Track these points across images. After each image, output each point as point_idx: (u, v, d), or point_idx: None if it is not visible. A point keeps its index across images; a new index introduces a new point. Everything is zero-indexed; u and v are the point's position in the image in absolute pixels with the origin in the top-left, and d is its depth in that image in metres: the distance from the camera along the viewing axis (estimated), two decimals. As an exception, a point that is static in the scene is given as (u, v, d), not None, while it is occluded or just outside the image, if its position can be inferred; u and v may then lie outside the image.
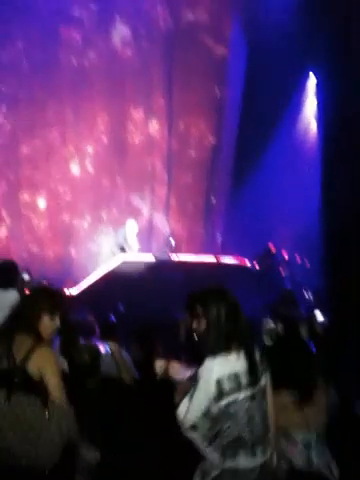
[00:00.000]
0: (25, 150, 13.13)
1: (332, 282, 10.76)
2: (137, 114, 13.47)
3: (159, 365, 4.74)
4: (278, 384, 3.08)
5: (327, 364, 4.25)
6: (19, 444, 2.66)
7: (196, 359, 2.78)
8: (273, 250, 11.85)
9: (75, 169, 13.37)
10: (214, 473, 2.71)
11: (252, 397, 2.72)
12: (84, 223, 13.34)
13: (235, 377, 2.67)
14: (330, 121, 12.05)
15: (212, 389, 2.64)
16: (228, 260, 10.91)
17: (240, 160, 12.83)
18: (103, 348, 4.07)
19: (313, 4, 11.35)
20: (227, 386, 2.65)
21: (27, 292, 5.21)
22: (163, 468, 3.11)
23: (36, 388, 2.71)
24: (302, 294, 10.32)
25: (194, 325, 2.95)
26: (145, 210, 13.44)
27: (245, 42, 12.94)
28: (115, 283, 10.04)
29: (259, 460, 2.73)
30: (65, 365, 3.69)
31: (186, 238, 13.25)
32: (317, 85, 13.20)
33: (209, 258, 11.01)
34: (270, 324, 5.41)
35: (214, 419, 2.69)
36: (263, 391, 2.80)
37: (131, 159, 13.41)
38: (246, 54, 12.89)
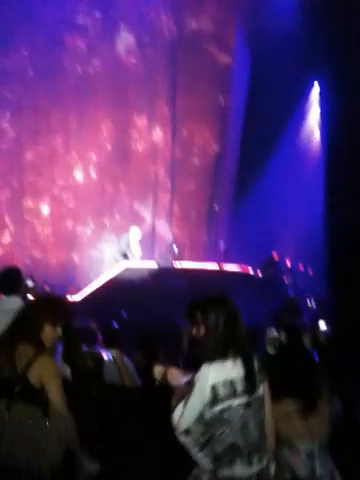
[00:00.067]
0: (29, 156, 13.17)
1: (335, 290, 10.74)
2: (141, 121, 13.50)
3: (158, 371, 4.74)
4: (281, 393, 3.08)
5: (330, 373, 4.24)
6: (20, 453, 2.65)
7: (195, 365, 2.79)
8: (276, 258, 11.85)
9: (79, 176, 13.40)
10: (205, 479, 2.71)
11: (247, 405, 2.72)
12: (87, 230, 13.35)
13: (230, 384, 2.68)
14: (333, 129, 12.08)
15: (207, 394, 2.65)
16: (231, 267, 10.91)
17: (243, 168, 12.86)
18: (106, 355, 4.07)
19: (317, 15, 11.39)
20: (222, 392, 2.66)
21: (31, 298, 5.21)
22: (163, 474, 3.10)
23: (37, 397, 2.71)
24: (305, 302, 10.31)
25: (194, 332, 2.96)
26: (148, 217, 13.45)
27: (249, 51, 13.00)
28: (118, 290, 10.04)
29: (255, 469, 2.72)
30: (68, 372, 3.69)
31: (189, 245, 13.25)
32: (320, 93, 13.23)
33: (212, 265, 11.01)
34: (273, 333, 5.39)
35: (207, 424, 2.70)
36: (260, 400, 2.80)
37: (134, 166, 13.44)
38: (250, 63, 12.94)
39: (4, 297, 4.34)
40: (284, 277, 11.49)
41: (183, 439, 2.74)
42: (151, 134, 13.54)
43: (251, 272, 11.13)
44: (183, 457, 2.81)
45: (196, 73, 13.27)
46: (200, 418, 2.69)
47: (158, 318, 8.63)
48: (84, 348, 4.61)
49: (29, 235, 13.18)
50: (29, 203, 13.17)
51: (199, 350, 2.81)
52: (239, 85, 13.14)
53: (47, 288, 11.01)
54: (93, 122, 13.30)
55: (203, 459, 2.71)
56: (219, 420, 2.68)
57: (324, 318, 8.67)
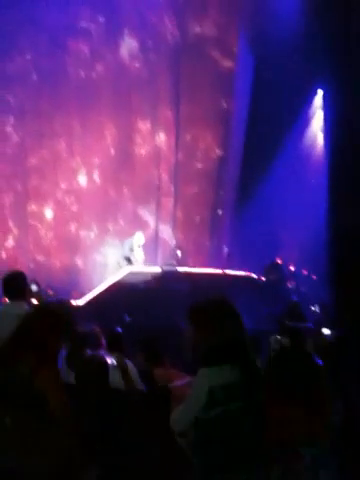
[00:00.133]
0: (32, 161, 13.21)
1: (338, 294, 10.73)
2: (144, 126, 13.53)
3: (158, 374, 4.75)
4: (284, 397, 3.07)
5: (334, 377, 4.24)
6: (21, 461, 2.66)
7: (196, 368, 2.81)
8: (279, 263, 11.86)
9: (82, 180, 13.43)
10: None
11: (245, 409, 2.72)
12: (91, 234, 13.38)
13: (228, 388, 2.68)
14: (336, 134, 12.08)
15: (203, 398, 2.66)
16: (234, 272, 10.92)
17: (246, 172, 12.86)
18: (110, 360, 4.07)
19: (319, 19, 11.41)
20: (219, 396, 2.66)
21: (35, 302, 5.21)
22: (163, 476, 3.11)
23: (39, 406, 2.71)
24: (308, 306, 10.31)
25: (194, 335, 2.97)
26: (151, 222, 13.47)
27: (252, 55, 13.01)
28: (121, 294, 10.05)
29: (251, 474, 2.72)
30: (72, 377, 3.69)
31: (192, 250, 13.26)
32: (324, 98, 13.24)
33: (215, 270, 11.02)
34: (277, 338, 5.40)
35: (203, 428, 2.71)
36: (258, 405, 2.79)
37: (138, 171, 13.46)
38: (253, 67, 12.95)
39: (8, 301, 4.35)
40: (287, 282, 11.51)
41: (180, 442, 2.76)
42: (154, 139, 13.57)
43: (254, 277, 11.14)
44: (183, 459, 2.82)
45: (199, 78, 13.29)
46: (196, 421, 2.70)
47: (161, 322, 8.64)
48: (88, 352, 4.62)
49: (33, 239, 13.21)
50: (33, 207, 13.20)
51: (198, 353, 2.82)
52: (242, 90, 13.15)
53: (51, 292, 11.04)
54: (96, 126, 13.33)
55: (198, 462, 2.72)
56: (215, 424, 2.68)
57: (327, 322, 8.67)
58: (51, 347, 2.87)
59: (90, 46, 13.34)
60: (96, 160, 13.46)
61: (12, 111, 13.09)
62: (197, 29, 13.45)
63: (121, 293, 10.10)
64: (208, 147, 13.61)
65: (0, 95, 12.94)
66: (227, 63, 13.46)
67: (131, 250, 11.35)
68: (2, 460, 2.66)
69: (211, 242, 13.65)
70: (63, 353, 4.50)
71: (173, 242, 13.17)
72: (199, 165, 13.62)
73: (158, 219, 13.48)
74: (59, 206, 13.31)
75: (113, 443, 3.19)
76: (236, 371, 2.71)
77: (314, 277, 12.16)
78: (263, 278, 11.23)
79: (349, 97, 11.27)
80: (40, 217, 13.24)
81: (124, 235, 12.74)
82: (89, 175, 13.43)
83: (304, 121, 13.42)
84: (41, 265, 12.99)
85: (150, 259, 12.42)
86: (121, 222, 13.44)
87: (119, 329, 6.94)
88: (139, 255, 11.45)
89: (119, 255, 11.89)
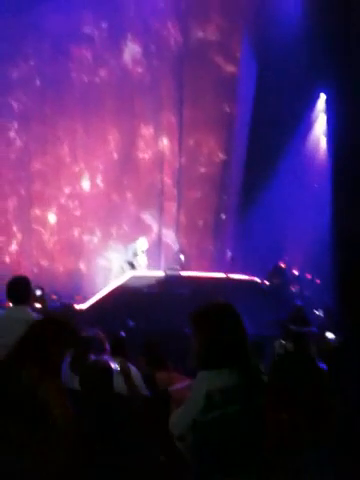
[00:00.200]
0: (36, 166, 13.25)
1: (342, 298, 10.71)
2: (147, 131, 13.56)
3: (160, 378, 4.75)
4: (287, 402, 3.07)
5: (338, 382, 4.23)
6: (23, 470, 2.66)
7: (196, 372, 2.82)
8: (283, 267, 11.85)
9: (85, 185, 13.46)
10: None
11: (243, 413, 2.72)
12: (94, 238, 13.39)
13: (226, 392, 2.68)
14: (340, 138, 12.08)
15: (201, 401, 2.65)
16: (237, 276, 10.92)
17: (250, 177, 12.86)
18: (113, 365, 4.07)
19: (322, 24, 11.43)
20: (216, 400, 2.66)
21: (38, 306, 5.22)
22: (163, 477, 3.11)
23: (42, 417, 2.71)
24: (312, 310, 10.30)
25: (195, 339, 2.97)
26: (155, 226, 13.48)
27: (255, 60, 13.03)
28: (125, 298, 10.06)
29: (252, 477, 2.72)
30: (76, 382, 3.69)
31: (195, 254, 13.25)
32: (327, 102, 13.24)
33: (218, 274, 11.02)
34: (281, 342, 5.40)
35: (201, 431, 2.70)
36: (258, 409, 2.79)
37: (141, 175, 13.48)
38: (255, 72, 12.97)
39: (12, 306, 4.35)
40: (291, 286, 11.49)
41: (179, 445, 2.76)
42: (157, 143, 13.59)
43: (258, 281, 11.14)
44: (183, 461, 2.82)
45: (202, 82, 13.31)
46: (194, 424, 2.71)
47: (164, 326, 8.64)
48: (92, 357, 4.62)
49: (36, 244, 13.24)
50: (36, 212, 13.23)
51: (198, 357, 2.83)
52: (245, 94, 13.16)
53: (54, 297, 11.06)
54: (100, 131, 13.36)
55: (196, 465, 2.72)
56: (212, 427, 2.68)
57: (331, 326, 8.66)
58: (54, 357, 2.88)
59: (93, 52, 13.39)
60: (99, 165, 13.49)
61: (16, 116, 13.15)
62: (200, 34, 13.49)
63: (124, 297, 10.11)
64: (211, 151, 13.62)
65: (4, 100, 13.00)
66: (230, 68, 13.48)
67: (135, 255, 11.38)
68: (5, 469, 2.66)
69: (214, 246, 13.64)
70: (67, 358, 4.51)
71: (176, 246, 13.17)
72: (202, 169, 13.63)
73: (161, 223, 13.48)
74: (62, 211, 13.34)
75: (113, 444, 3.19)
76: (235, 375, 2.71)
77: (318, 281, 12.14)
78: (266, 282, 11.23)
79: (352, 101, 11.28)
80: (43, 222, 13.27)
81: (127, 239, 12.76)
82: (92, 180, 13.45)
83: (307, 125, 13.42)
84: (44, 269, 13.01)
85: (153, 263, 12.43)
86: (124, 226, 13.45)
87: (123, 334, 6.94)
88: (142, 260, 11.48)
89: (122, 260, 11.91)
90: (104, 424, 3.22)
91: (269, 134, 12.11)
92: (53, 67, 13.06)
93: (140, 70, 13.51)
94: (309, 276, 12.30)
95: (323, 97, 13.33)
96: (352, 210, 11.01)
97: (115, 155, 13.52)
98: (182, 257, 11.90)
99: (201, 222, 13.63)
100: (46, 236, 13.30)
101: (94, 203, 13.32)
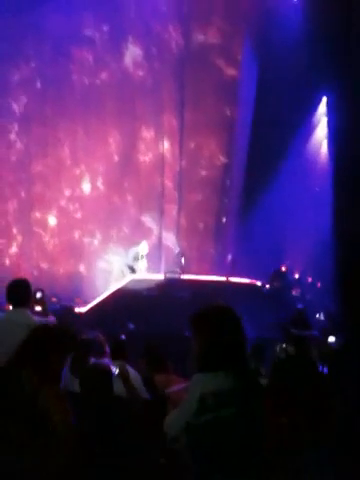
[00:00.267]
0: (36, 168, 13.24)
1: (343, 301, 10.70)
2: (148, 133, 13.55)
3: (159, 380, 4.74)
4: (288, 404, 3.06)
5: (339, 384, 4.23)
6: (22, 472, 2.65)
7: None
8: (284, 270, 11.84)
9: (86, 187, 13.45)
10: None
11: (238, 416, 2.70)
12: (94, 241, 13.38)
13: (220, 395, 2.67)
14: (342, 141, 12.08)
15: (194, 404, 2.65)
16: (238, 280, 10.91)
17: (251, 180, 12.86)
18: (113, 368, 4.06)
19: (323, 27, 11.44)
20: (210, 403, 2.66)
21: (39, 308, 5.21)
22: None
23: (42, 423, 2.70)
24: (313, 314, 10.29)
25: (194, 341, 2.97)
26: (155, 229, 13.46)
27: (256, 63, 13.04)
28: (125, 301, 10.05)
29: (250, 479, 2.71)
30: (76, 384, 3.68)
31: (196, 257, 13.23)
32: (328, 105, 13.25)
33: (219, 278, 11.01)
34: (282, 346, 5.39)
35: (194, 433, 2.70)
36: (254, 412, 2.78)
37: (142, 178, 13.47)
38: (257, 75, 12.97)
39: (12, 309, 4.34)
40: (292, 289, 11.48)
41: (173, 447, 2.76)
42: (158, 146, 13.58)
43: (258, 284, 11.13)
44: (183, 463, 2.82)
45: (203, 85, 13.31)
46: (187, 427, 2.70)
47: (165, 329, 8.63)
48: (92, 360, 4.61)
49: (36, 246, 13.23)
50: (37, 214, 13.22)
51: (196, 360, 2.82)
52: (246, 97, 13.17)
53: (54, 299, 11.05)
54: (100, 134, 13.36)
55: (195, 466, 2.72)
56: (205, 430, 2.68)
57: (332, 330, 8.64)
58: (54, 365, 2.87)
59: (94, 54, 13.40)
60: (100, 167, 13.48)
61: (16, 118, 13.14)
62: (201, 37, 13.49)
63: (125, 300, 10.10)
64: (212, 154, 13.61)
65: (4, 102, 13.01)
66: (231, 71, 13.48)
67: (135, 259, 11.39)
68: (5, 469, 2.65)
69: (215, 249, 13.63)
70: (67, 361, 4.48)
71: (177, 249, 13.15)
72: (203, 172, 13.62)
73: (162, 226, 13.47)
74: (63, 213, 13.33)
75: (113, 446, 3.19)
76: (230, 378, 2.70)
77: (319, 284, 12.14)
78: (267, 286, 11.22)
79: (353, 104, 11.29)
80: (44, 224, 13.26)
81: (128, 242, 12.75)
82: (93, 182, 13.44)
83: (308, 128, 13.42)
84: (45, 272, 12.99)
85: (154, 266, 12.42)
86: (125, 229, 13.44)
87: (123, 336, 6.92)
88: (142, 264, 11.49)
89: (123, 264, 11.91)
90: (104, 426, 3.21)
91: (270, 137, 12.11)
92: (54, 69, 13.06)
93: (141, 73, 13.51)
94: (310, 279, 12.29)
95: (324, 100, 13.33)
96: (353, 213, 11.02)
97: (116, 157, 13.52)
98: (182, 260, 11.88)
99: (202, 225, 13.62)
100: (46, 238, 13.29)
101: (94, 205, 13.31)
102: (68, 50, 13.14)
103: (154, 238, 13.30)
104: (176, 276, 10.92)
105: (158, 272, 12.07)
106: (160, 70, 13.41)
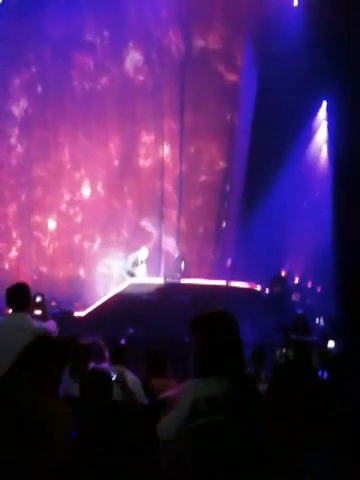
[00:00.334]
0: (37, 172, 13.26)
1: (343, 306, 10.70)
2: (148, 138, 13.56)
3: (156, 384, 4.74)
4: (287, 410, 3.05)
5: (339, 388, 4.23)
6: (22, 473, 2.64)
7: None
8: (284, 275, 11.83)
9: (86, 191, 13.46)
10: None
11: (231, 422, 2.70)
12: (94, 245, 13.38)
13: (213, 400, 2.67)
14: (342, 145, 12.10)
15: (187, 409, 2.64)
16: (238, 284, 10.90)
17: (251, 185, 12.86)
18: (112, 373, 4.05)
19: (324, 33, 11.47)
20: (202, 408, 2.65)
21: (38, 312, 5.21)
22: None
23: (40, 434, 2.70)
24: (313, 319, 10.28)
25: (192, 346, 2.97)
26: (155, 233, 13.46)
27: (256, 68, 13.06)
28: (124, 306, 10.04)
29: None
30: (75, 389, 3.67)
31: (196, 262, 13.22)
32: (328, 110, 13.27)
33: (219, 282, 11.00)
34: (282, 351, 5.39)
35: (186, 438, 2.69)
36: (249, 417, 2.77)
37: (142, 182, 13.48)
38: (257, 80, 13.00)
39: (11, 313, 4.34)
40: (292, 294, 11.48)
41: (169, 448, 2.76)
42: (158, 150, 13.59)
43: (258, 289, 11.11)
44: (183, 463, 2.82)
45: (203, 90, 13.33)
46: (180, 432, 2.70)
47: (165, 334, 8.62)
48: (92, 365, 4.60)
49: (36, 250, 13.23)
50: (36, 218, 13.22)
51: (190, 365, 2.83)
52: (246, 102, 13.19)
53: (54, 303, 11.04)
54: (100, 138, 13.37)
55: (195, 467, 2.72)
56: (196, 436, 2.67)
57: (332, 335, 8.64)
58: (54, 373, 2.87)
59: (95, 59, 13.42)
60: (100, 171, 13.49)
61: (17, 122, 13.17)
62: (201, 42, 13.51)
63: (124, 305, 10.09)
64: (212, 159, 13.62)
65: (5, 107, 13.03)
66: (231, 76, 13.50)
67: (134, 265, 11.39)
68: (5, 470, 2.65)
69: (215, 254, 13.62)
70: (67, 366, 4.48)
71: (177, 254, 13.14)
72: (203, 177, 13.61)
73: (162, 231, 13.46)
74: (63, 217, 13.33)
75: (112, 451, 3.19)
76: (224, 383, 2.69)
77: (318, 289, 12.13)
78: (267, 290, 11.21)
79: (353, 109, 11.31)
80: (44, 228, 13.26)
81: (128, 246, 12.75)
82: (93, 186, 13.45)
83: (308, 133, 13.45)
84: (44, 276, 12.99)
85: (153, 271, 12.41)
86: (124, 233, 13.44)
87: (122, 341, 6.92)
88: (142, 270, 11.49)
89: (122, 269, 11.90)
90: (103, 431, 3.21)
91: (270, 142, 12.12)
92: (54, 73, 13.10)
93: (141, 78, 13.54)
94: (310, 284, 12.29)
95: (324, 105, 13.36)
96: (353, 217, 11.02)
97: (116, 162, 13.53)
98: (182, 264, 11.87)
99: (202, 229, 13.61)
100: (46, 242, 13.29)
101: (94, 210, 13.31)
102: (69, 55, 13.17)
103: (154, 242, 13.29)
104: (176, 280, 10.90)
105: (158, 276, 12.06)
106: (160, 75, 13.43)
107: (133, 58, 13.47)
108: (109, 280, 12.85)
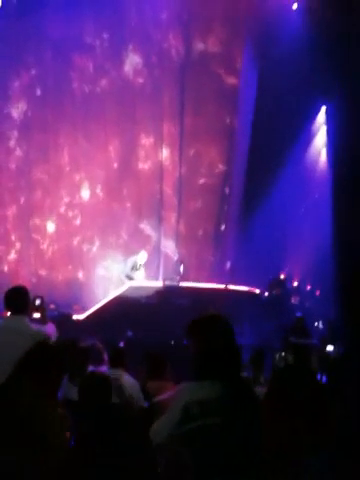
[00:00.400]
0: (36, 175, 13.25)
1: (343, 309, 10.69)
2: (148, 141, 13.56)
3: (152, 387, 4.73)
4: (287, 414, 3.04)
5: (338, 391, 4.22)
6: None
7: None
8: (283, 278, 11.83)
9: (85, 194, 13.45)
10: None
11: (226, 424, 2.69)
12: (93, 248, 13.36)
13: (205, 403, 2.66)
14: (341, 148, 12.11)
15: (179, 413, 2.64)
16: (237, 287, 10.90)
17: (250, 188, 12.86)
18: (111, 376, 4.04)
19: (324, 35, 11.49)
20: (195, 411, 2.65)
21: (38, 315, 5.20)
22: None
23: (39, 440, 2.69)
24: (312, 322, 10.28)
25: (190, 349, 2.98)
26: (154, 236, 13.45)
27: (256, 72, 13.07)
28: (124, 309, 10.03)
29: None
30: (74, 392, 3.66)
31: (195, 265, 13.20)
32: (327, 114, 13.28)
33: (218, 285, 11.00)
34: (281, 355, 5.38)
35: (179, 442, 2.69)
36: (244, 420, 2.76)
37: (141, 185, 13.47)
38: (256, 83, 13.00)
39: (9, 316, 4.32)
40: (291, 297, 11.47)
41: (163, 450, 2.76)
42: (157, 153, 13.59)
43: (257, 292, 11.11)
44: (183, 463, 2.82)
45: (203, 93, 13.33)
46: (173, 435, 2.69)
47: (164, 336, 8.61)
48: (90, 368, 4.59)
49: (35, 253, 13.21)
50: (35, 221, 13.21)
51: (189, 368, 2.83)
52: (246, 105, 13.19)
53: (52, 306, 11.02)
54: (100, 141, 13.37)
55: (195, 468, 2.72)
56: (189, 439, 2.67)
57: (331, 338, 8.63)
58: (52, 381, 2.87)
59: (94, 61, 13.43)
60: (99, 174, 13.48)
61: (16, 125, 13.17)
62: (201, 45, 13.51)
63: (123, 308, 10.08)
64: (212, 162, 13.61)
65: (5, 109, 13.04)
66: (231, 79, 13.50)
67: (133, 269, 11.39)
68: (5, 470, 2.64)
69: (214, 257, 13.60)
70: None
71: (176, 257, 13.13)
72: (202, 180, 13.60)
73: (161, 233, 13.45)
74: (62, 220, 13.32)
75: (111, 455, 3.18)
76: (217, 387, 2.69)
77: (317, 292, 12.13)
78: (266, 293, 11.21)
79: (352, 113, 11.31)
80: (43, 231, 13.25)
81: (127, 249, 12.74)
82: (92, 189, 13.44)
83: (307, 136, 13.45)
84: (43, 279, 12.97)
85: (152, 274, 12.40)
86: (124, 236, 13.42)
87: (121, 344, 6.90)
88: (140, 274, 11.49)
89: (121, 273, 11.89)
90: (102, 434, 3.20)
91: (269, 145, 12.13)
92: (54, 76, 13.11)
93: (141, 80, 13.54)
94: (310, 287, 12.28)
95: (323, 109, 13.37)
96: (352, 220, 11.01)
97: (115, 164, 13.52)
98: (181, 267, 11.87)
99: (201, 232, 13.60)
100: (45, 245, 13.28)
101: (93, 212, 13.31)
102: (68, 57, 13.18)
103: (153, 245, 13.28)
104: (175, 283, 10.89)
105: (157, 279, 12.05)
106: (160, 78, 13.43)
107: (133, 61, 13.48)
108: (108, 283, 12.83)
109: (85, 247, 13.35)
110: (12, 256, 13.12)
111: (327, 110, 13.25)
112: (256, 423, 2.78)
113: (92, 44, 13.35)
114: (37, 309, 4.97)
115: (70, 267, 13.28)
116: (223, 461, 2.68)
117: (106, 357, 5.11)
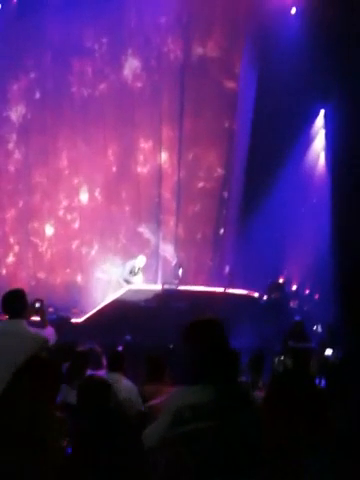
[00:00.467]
0: (34, 178, 13.26)
1: (342, 313, 10.68)
2: (146, 145, 13.57)
3: (148, 391, 4.73)
4: (286, 415, 3.04)
5: (337, 395, 4.22)
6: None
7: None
8: (282, 282, 11.83)
9: (84, 198, 13.45)
10: None
11: (219, 428, 2.69)
12: (92, 251, 13.36)
13: (197, 408, 2.66)
14: (340, 152, 12.12)
15: (170, 417, 2.65)
16: (235, 291, 10.89)
17: (249, 191, 12.86)
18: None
19: (323, 39, 11.51)
20: (186, 416, 2.65)
21: (37, 318, 5.19)
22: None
23: (37, 449, 2.69)
24: (311, 326, 10.26)
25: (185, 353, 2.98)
26: (153, 240, 13.44)
27: (255, 76, 13.08)
28: (122, 312, 10.02)
29: None
30: (72, 396, 3.66)
31: (194, 268, 13.20)
32: (326, 118, 13.30)
33: (216, 289, 10.99)
34: (280, 359, 5.37)
35: (171, 445, 2.69)
36: (238, 424, 2.76)
37: (140, 189, 13.47)
38: (255, 87, 13.02)
39: (7, 319, 4.31)
40: (290, 301, 11.46)
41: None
42: (156, 157, 13.59)
43: (255, 296, 11.10)
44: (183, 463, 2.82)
45: (202, 98, 13.35)
46: (165, 439, 2.69)
47: (162, 340, 8.60)
48: (89, 372, 4.58)
49: (34, 256, 13.21)
50: (34, 224, 13.21)
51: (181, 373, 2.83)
52: (245, 109, 13.20)
53: (51, 309, 11.01)
54: (99, 145, 13.38)
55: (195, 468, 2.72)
56: (181, 443, 2.66)
57: (331, 342, 8.62)
58: (49, 391, 2.87)
59: (93, 65, 13.45)
60: (98, 178, 13.49)
61: (15, 128, 13.19)
62: (200, 50, 13.53)
63: (122, 311, 10.07)
64: (210, 166, 13.62)
65: (4, 112, 13.05)
66: (230, 83, 13.52)
67: (132, 273, 11.38)
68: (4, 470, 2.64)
69: (213, 261, 13.60)
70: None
71: (174, 260, 13.13)
72: (201, 183, 13.61)
73: (159, 237, 13.45)
74: (60, 223, 13.32)
75: (109, 459, 3.18)
76: (210, 391, 2.69)
77: (316, 296, 12.12)
78: (265, 297, 11.20)
79: (351, 117, 11.33)
80: (41, 234, 13.25)
81: (125, 253, 12.73)
82: (91, 193, 13.45)
83: (306, 140, 13.45)
84: (42, 282, 12.96)
85: (151, 277, 12.40)
86: (122, 240, 13.42)
87: (120, 348, 6.89)
88: (139, 278, 11.49)
89: (120, 277, 11.89)
90: (100, 438, 3.20)
91: (268, 149, 12.13)
92: (53, 80, 13.14)
93: (140, 84, 13.56)
94: (309, 291, 12.28)
95: (322, 113, 13.38)
96: (351, 224, 11.03)
97: (114, 168, 13.53)
98: (180, 271, 11.86)
99: (199, 236, 13.59)
100: (44, 248, 13.27)
101: (92, 216, 13.31)
102: (68, 61, 13.20)
103: (151, 249, 13.27)
104: (173, 287, 10.89)
105: (156, 283, 12.04)
106: (159, 82, 13.45)
107: (132, 65, 13.50)
108: (107, 286, 12.82)
109: (84, 250, 13.35)
110: (11, 259, 13.11)
111: (326, 113, 13.27)
112: (252, 426, 2.77)
113: (91, 48, 13.37)
114: (37, 312, 4.97)
115: (69, 270, 13.28)
116: (217, 464, 2.68)
117: (105, 361, 5.10)
